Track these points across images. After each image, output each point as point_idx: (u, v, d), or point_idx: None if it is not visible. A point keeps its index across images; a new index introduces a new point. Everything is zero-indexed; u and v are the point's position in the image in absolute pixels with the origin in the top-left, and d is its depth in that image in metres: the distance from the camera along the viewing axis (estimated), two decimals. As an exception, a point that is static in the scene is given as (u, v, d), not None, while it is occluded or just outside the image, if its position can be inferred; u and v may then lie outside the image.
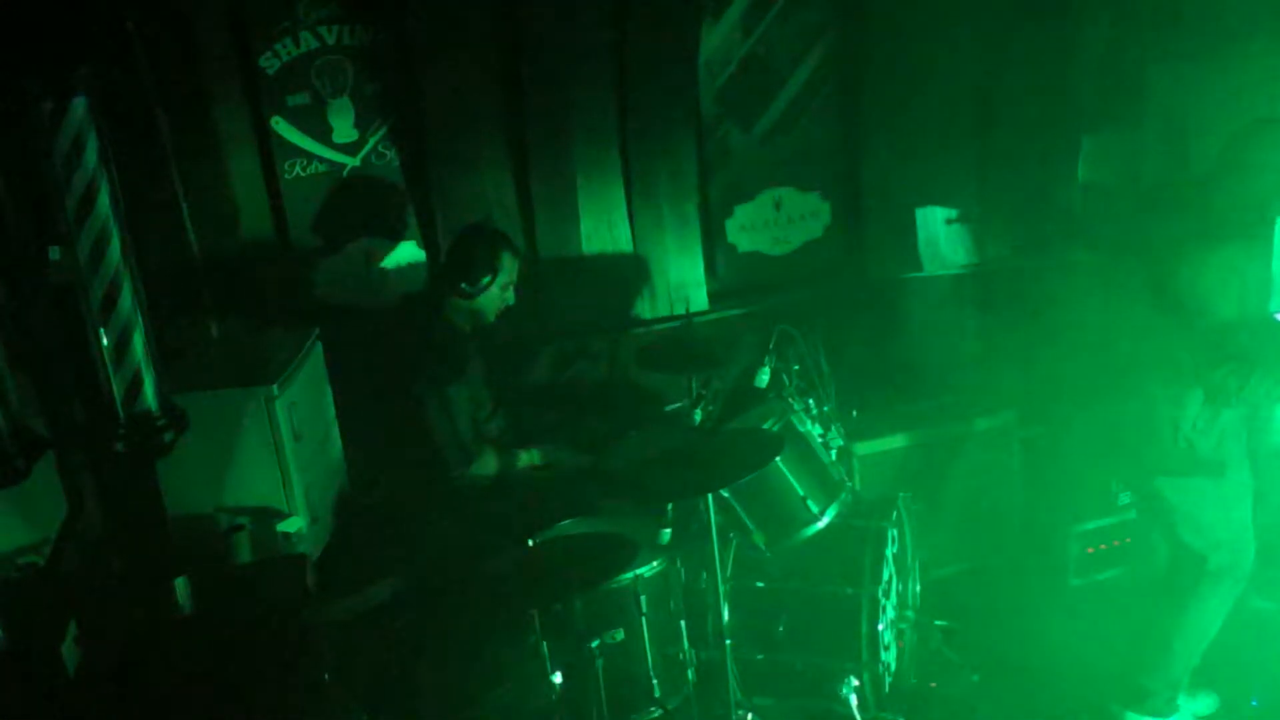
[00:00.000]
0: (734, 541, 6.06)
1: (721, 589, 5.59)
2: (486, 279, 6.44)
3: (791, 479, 5.83)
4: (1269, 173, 5.38)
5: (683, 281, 7.97)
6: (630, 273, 7.88)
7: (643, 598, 5.59)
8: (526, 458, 6.69)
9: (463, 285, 6.46)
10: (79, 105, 4.41)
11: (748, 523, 5.89)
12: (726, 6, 7.68)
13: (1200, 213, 5.47)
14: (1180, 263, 5.41)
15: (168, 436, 4.84)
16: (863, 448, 7.12)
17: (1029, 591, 7.16)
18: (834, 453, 6.38)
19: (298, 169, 7.15)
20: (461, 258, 6.55)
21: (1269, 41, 6.73)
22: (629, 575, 5.56)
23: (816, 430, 6.27)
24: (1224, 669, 6.11)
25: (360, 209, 7.34)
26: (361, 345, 7.00)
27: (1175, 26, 7.20)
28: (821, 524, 5.83)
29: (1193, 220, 5.47)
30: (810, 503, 5.83)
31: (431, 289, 7.13)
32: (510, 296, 6.59)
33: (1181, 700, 6.02)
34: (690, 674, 5.84)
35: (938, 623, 6.59)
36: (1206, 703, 6.13)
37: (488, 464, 6.52)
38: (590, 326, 7.84)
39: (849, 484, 6.25)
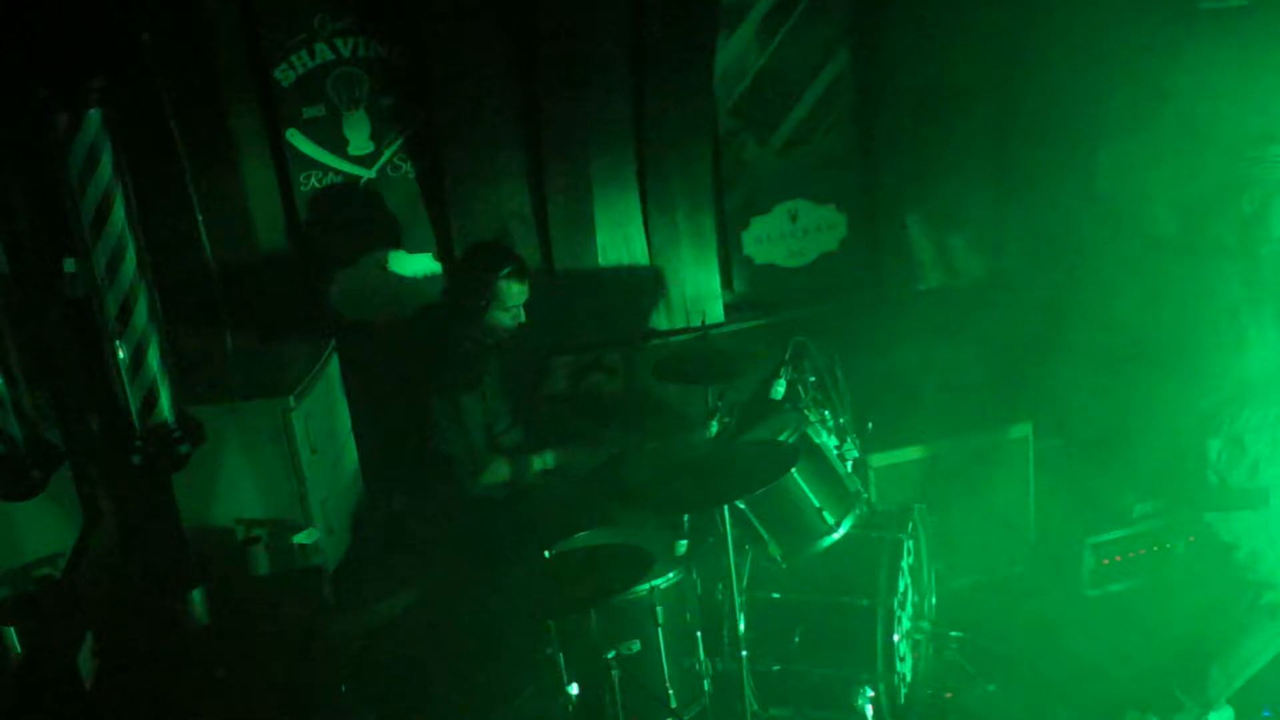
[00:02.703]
0: (750, 553, 6.05)
1: (737, 600, 5.58)
2: (484, 305, 6.46)
3: (807, 490, 5.82)
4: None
5: (699, 294, 7.97)
6: (646, 285, 7.88)
7: (659, 609, 5.59)
8: (539, 462, 6.70)
9: (463, 308, 6.50)
10: (94, 118, 4.43)
11: (763, 534, 5.88)
12: (742, 20, 7.68)
13: (1216, 237, 5.42)
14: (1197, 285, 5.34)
15: (184, 449, 4.85)
16: (878, 459, 7.11)
17: (1044, 603, 7.14)
18: (850, 464, 6.35)
19: (313, 181, 7.17)
20: (462, 283, 6.62)
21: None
22: (645, 587, 5.56)
23: (832, 442, 6.26)
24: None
25: (376, 221, 7.35)
26: (377, 357, 7.02)
27: (1193, 35, 7.17)
28: (837, 535, 5.82)
29: (1210, 245, 5.42)
30: (826, 514, 5.82)
31: (446, 301, 7.14)
32: (520, 315, 6.58)
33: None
34: (706, 685, 5.83)
35: (953, 634, 6.58)
36: (1221, 715, 6.10)
37: (500, 473, 6.53)
38: (606, 339, 7.84)
39: (865, 495, 6.25)
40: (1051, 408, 7.35)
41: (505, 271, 6.46)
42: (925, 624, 6.37)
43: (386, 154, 7.26)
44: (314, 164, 7.16)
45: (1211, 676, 5.87)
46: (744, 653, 5.61)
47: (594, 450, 6.98)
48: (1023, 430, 7.30)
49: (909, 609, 6.10)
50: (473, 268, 6.58)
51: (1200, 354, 5.37)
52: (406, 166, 7.32)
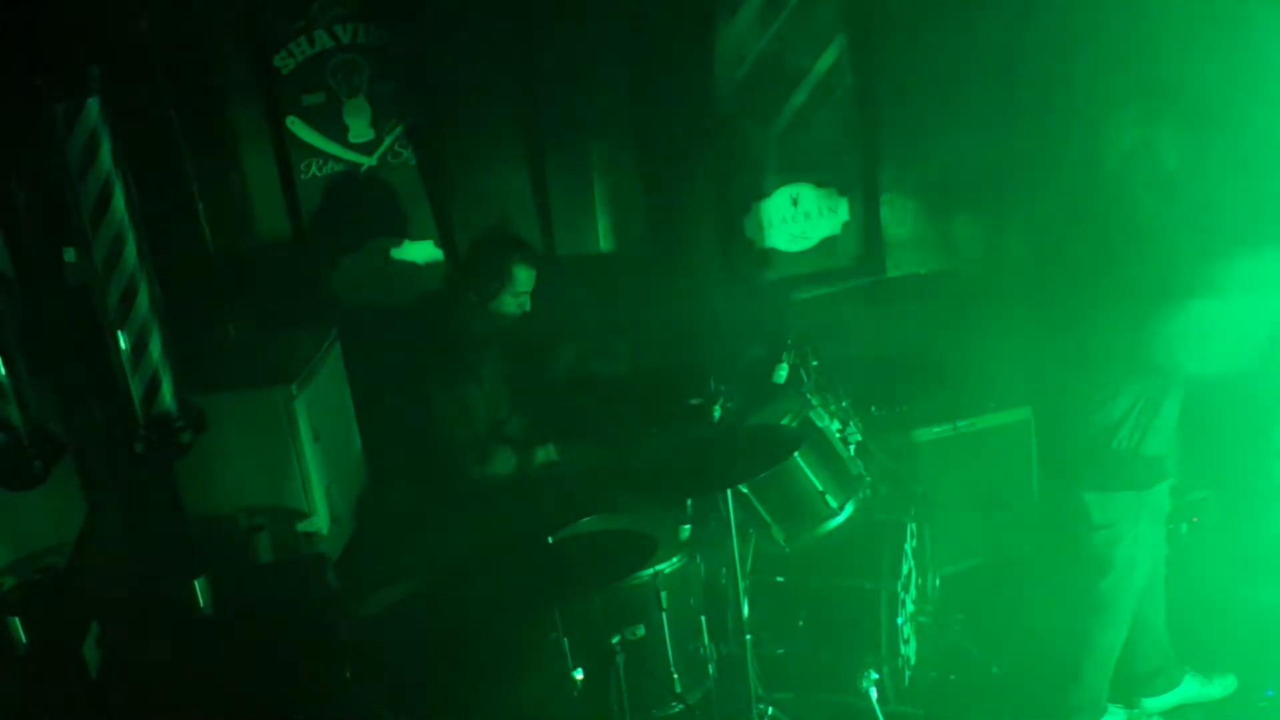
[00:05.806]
0: (753, 537, 6.06)
1: (741, 584, 5.60)
2: (495, 289, 6.45)
3: (810, 474, 5.83)
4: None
5: (701, 279, 7.96)
6: (648, 270, 7.86)
7: (663, 594, 5.61)
8: (544, 455, 6.70)
9: (472, 296, 6.49)
10: (93, 106, 4.42)
11: (767, 518, 5.89)
12: (742, 3, 7.66)
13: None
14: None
15: (186, 437, 4.84)
16: (881, 443, 7.11)
17: (1047, 585, 7.14)
18: (852, 448, 6.36)
19: (314, 168, 7.17)
20: (473, 267, 6.62)
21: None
22: (649, 572, 5.58)
23: (835, 426, 6.25)
24: (1242, 657, 6.09)
25: (377, 208, 7.35)
26: (380, 344, 7.00)
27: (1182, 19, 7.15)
28: (840, 519, 5.83)
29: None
30: (829, 498, 5.82)
31: (448, 289, 7.13)
32: (526, 303, 6.58)
33: (1197, 682, 6.03)
34: (711, 669, 5.86)
35: (957, 616, 6.60)
36: (1224, 684, 6.12)
37: (505, 462, 6.53)
38: (609, 325, 7.83)
39: (867, 479, 6.24)
40: (1052, 390, 7.34)
41: (517, 256, 6.48)
42: (929, 606, 6.40)
43: (387, 141, 7.26)
44: (314, 152, 7.16)
45: (1089, 669, 5.89)
46: (748, 637, 5.63)
47: (600, 445, 6.98)
48: (1024, 413, 7.29)
49: (912, 592, 6.11)
50: (485, 252, 6.58)
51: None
52: (407, 154, 7.32)
